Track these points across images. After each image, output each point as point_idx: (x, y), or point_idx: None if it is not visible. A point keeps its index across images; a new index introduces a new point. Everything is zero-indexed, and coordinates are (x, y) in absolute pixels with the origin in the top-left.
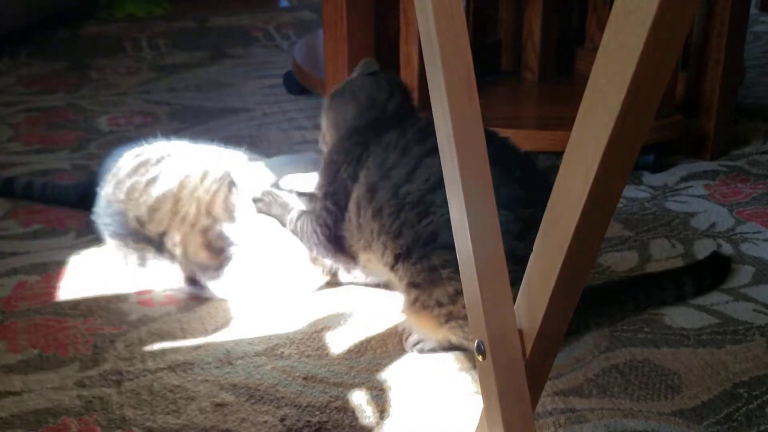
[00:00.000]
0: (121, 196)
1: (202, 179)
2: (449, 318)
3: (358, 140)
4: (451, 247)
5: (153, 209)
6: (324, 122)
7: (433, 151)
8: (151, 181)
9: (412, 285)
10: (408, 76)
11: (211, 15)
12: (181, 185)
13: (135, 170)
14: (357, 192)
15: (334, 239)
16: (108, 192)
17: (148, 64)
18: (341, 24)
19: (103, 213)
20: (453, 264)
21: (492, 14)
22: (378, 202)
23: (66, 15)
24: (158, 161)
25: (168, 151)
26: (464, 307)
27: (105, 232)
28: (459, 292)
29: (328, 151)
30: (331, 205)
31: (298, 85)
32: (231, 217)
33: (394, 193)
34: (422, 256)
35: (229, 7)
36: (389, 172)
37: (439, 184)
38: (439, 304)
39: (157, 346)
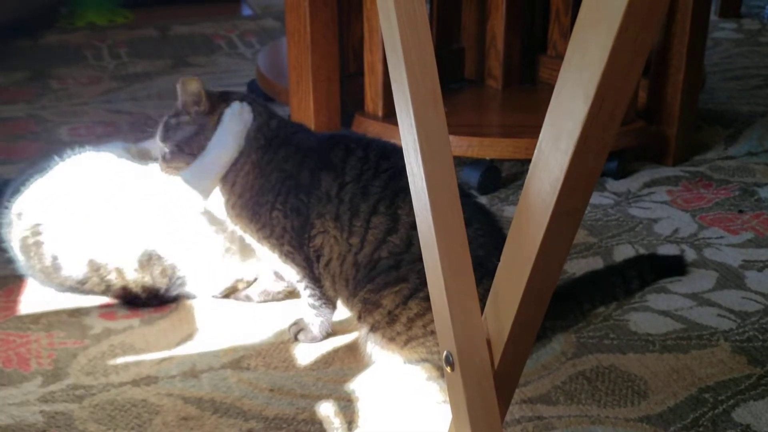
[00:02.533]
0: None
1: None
2: (408, 341)
3: (279, 176)
4: (396, 283)
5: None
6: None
7: (377, 206)
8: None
9: (364, 321)
10: (372, 84)
11: (172, 23)
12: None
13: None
14: (330, 257)
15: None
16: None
17: (110, 73)
18: (305, 32)
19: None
20: (403, 297)
21: (455, 22)
22: (345, 273)
23: (25, 24)
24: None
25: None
26: (421, 327)
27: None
28: (411, 319)
29: (246, 195)
30: (291, 248)
31: (262, 93)
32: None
33: (354, 262)
34: (376, 304)
35: (191, 15)
36: (349, 239)
37: (384, 239)
38: (398, 334)
39: (120, 359)
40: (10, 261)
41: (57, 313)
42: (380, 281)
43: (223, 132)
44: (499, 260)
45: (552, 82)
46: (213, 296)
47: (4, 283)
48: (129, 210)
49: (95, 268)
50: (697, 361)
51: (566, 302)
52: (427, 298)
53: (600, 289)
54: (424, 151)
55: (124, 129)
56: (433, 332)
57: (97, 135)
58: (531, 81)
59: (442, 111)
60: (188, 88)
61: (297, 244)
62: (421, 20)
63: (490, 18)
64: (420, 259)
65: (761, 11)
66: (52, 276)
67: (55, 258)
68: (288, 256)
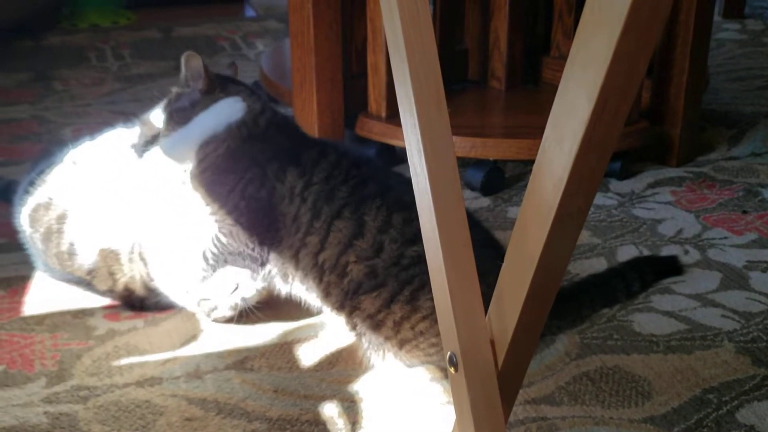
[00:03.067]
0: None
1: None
2: (402, 344)
3: (247, 163)
4: (375, 288)
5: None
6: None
7: (341, 211)
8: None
9: (355, 332)
10: (375, 85)
11: (175, 24)
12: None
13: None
14: (284, 252)
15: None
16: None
17: (113, 74)
18: (308, 33)
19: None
20: (384, 301)
21: (459, 23)
22: (303, 270)
23: (27, 25)
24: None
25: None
26: (410, 329)
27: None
28: (397, 322)
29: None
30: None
31: (265, 95)
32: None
33: (314, 263)
34: (354, 307)
35: (193, 16)
36: (305, 238)
37: (350, 243)
38: (387, 339)
39: (124, 360)
40: (13, 262)
41: (61, 314)
42: (362, 291)
43: (210, 113)
44: (477, 254)
45: (555, 83)
46: (215, 318)
47: (9, 284)
48: (135, 199)
49: (104, 257)
50: (701, 361)
51: (567, 304)
52: (408, 302)
53: (602, 292)
54: (427, 151)
55: None
56: (422, 332)
57: None
58: (534, 82)
59: (445, 112)
60: (190, 63)
61: (246, 223)
62: (424, 21)
63: (494, 19)
64: (395, 263)
65: (765, 12)
66: (65, 263)
67: (72, 244)
68: (229, 229)
